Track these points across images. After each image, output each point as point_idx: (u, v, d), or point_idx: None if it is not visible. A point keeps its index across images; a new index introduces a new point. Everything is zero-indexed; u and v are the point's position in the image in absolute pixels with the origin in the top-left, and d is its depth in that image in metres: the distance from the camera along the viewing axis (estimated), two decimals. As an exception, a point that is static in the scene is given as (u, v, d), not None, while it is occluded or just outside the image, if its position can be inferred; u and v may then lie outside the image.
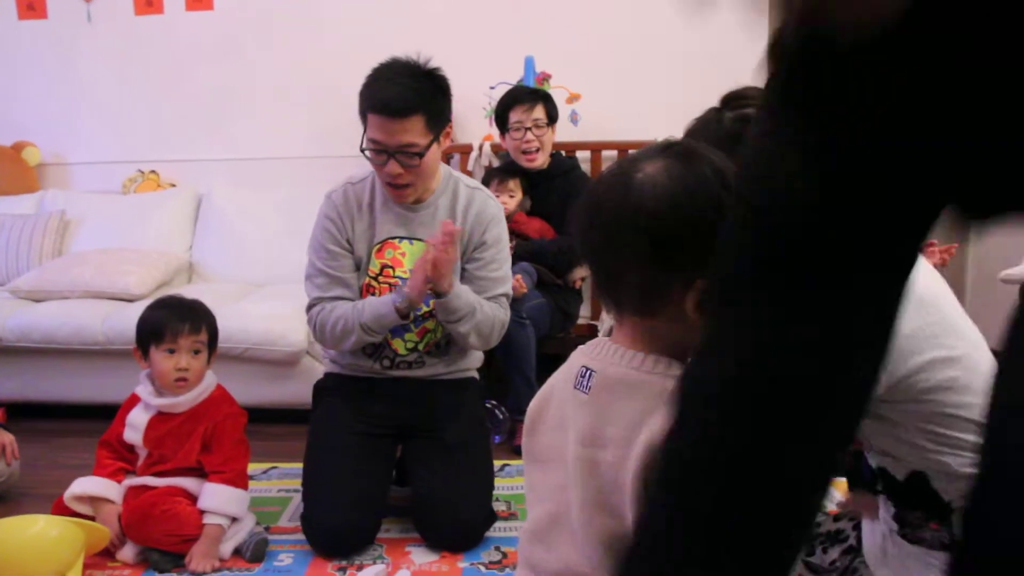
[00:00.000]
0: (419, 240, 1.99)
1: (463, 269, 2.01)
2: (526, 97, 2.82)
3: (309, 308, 2.01)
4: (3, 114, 3.76)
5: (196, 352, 1.94)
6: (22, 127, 3.74)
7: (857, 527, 1.39)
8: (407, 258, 1.99)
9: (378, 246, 2.00)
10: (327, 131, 3.48)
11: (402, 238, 2.00)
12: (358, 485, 1.92)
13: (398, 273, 1.98)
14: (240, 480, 1.93)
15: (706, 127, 1.19)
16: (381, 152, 1.88)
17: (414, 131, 1.85)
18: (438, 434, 1.99)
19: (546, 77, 3.34)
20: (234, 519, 1.89)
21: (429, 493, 1.95)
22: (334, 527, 1.89)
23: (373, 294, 1.98)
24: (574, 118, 3.38)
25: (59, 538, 1.76)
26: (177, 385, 1.92)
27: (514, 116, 2.80)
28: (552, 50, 3.44)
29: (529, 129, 2.79)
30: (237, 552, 1.89)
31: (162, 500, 1.85)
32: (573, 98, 3.38)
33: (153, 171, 3.70)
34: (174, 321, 1.92)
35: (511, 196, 2.80)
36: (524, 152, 2.82)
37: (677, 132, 3.63)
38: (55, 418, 2.94)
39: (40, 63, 3.76)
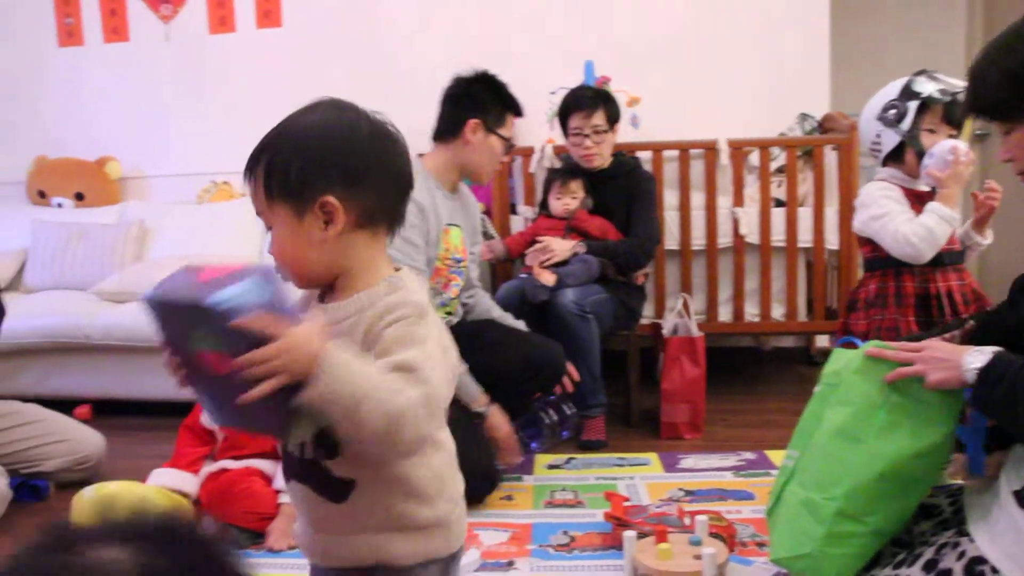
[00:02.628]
0: (455, 226, 2.27)
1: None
2: (586, 102, 2.77)
3: None
4: (88, 131, 3.97)
5: None
6: (105, 143, 3.94)
7: (955, 502, 1.35)
8: (452, 242, 2.27)
9: (445, 229, 2.23)
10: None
11: (450, 224, 2.26)
12: None
13: (452, 255, 2.26)
14: (314, 461, 1.99)
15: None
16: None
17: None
18: None
19: (606, 81, 3.38)
20: (309, 499, 1.95)
21: None
22: None
23: (439, 278, 2.21)
24: (634, 122, 3.40)
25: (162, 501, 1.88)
26: None
27: (574, 122, 2.78)
28: (611, 54, 3.49)
29: (588, 136, 2.78)
30: (312, 532, 1.94)
31: (240, 479, 1.92)
32: (633, 101, 3.40)
33: (226, 182, 3.85)
34: None
35: (573, 197, 2.81)
36: (583, 156, 2.82)
37: (734, 131, 3.61)
38: (138, 414, 3.08)
39: (122, 83, 3.96)
